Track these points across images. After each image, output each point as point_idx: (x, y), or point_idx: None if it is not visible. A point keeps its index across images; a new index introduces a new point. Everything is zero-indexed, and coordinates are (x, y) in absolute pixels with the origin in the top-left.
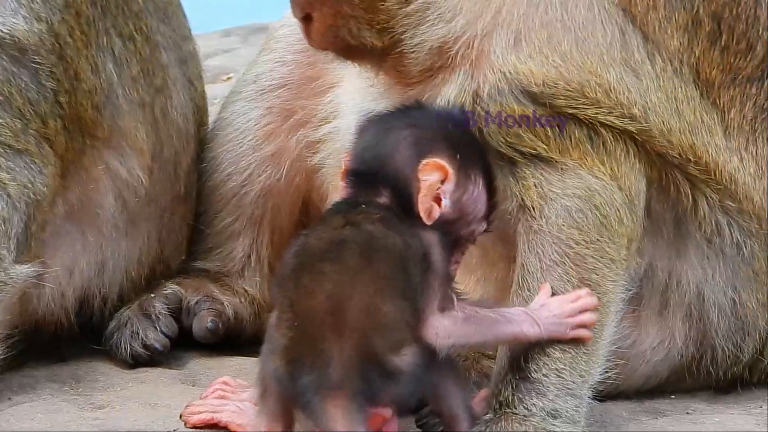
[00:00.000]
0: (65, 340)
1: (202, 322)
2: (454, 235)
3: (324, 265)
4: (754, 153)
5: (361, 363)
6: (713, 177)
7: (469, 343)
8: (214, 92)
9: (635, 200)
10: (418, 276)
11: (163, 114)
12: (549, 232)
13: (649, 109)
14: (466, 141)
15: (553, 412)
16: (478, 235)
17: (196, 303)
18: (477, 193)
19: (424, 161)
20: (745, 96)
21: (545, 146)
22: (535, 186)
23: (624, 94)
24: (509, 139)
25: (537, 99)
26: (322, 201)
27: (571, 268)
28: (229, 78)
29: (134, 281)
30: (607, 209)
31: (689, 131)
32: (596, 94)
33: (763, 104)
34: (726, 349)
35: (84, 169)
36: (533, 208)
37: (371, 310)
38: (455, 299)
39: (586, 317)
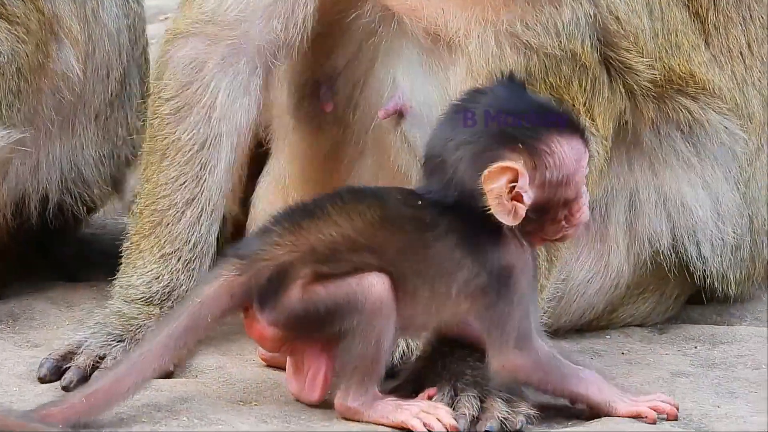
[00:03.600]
0: (2, 278)
1: None
2: (544, 227)
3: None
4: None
5: None
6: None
7: (538, 389)
8: (152, 32)
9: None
10: (493, 296)
11: (94, 15)
12: None
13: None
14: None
15: None
16: (576, 219)
17: None
18: (558, 159)
19: (485, 172)
20: None
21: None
22: None
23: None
24: None
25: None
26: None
27: None
28: (166, 18)
29: (70, 184)
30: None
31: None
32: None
33: None
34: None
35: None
36: None
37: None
38: (533, 335)
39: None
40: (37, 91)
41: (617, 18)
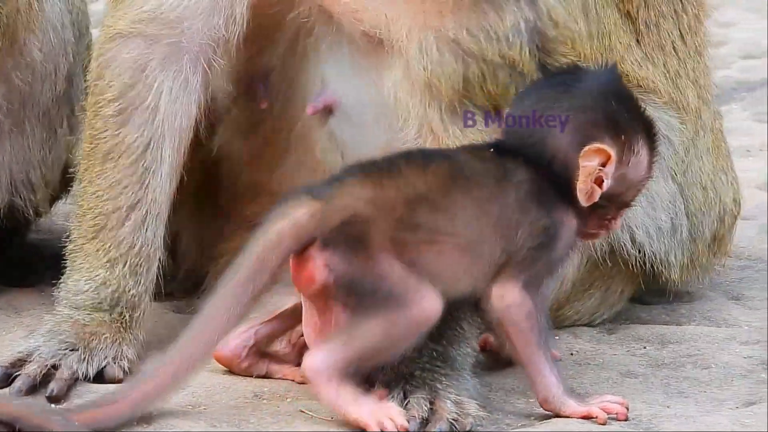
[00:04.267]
0: None
1: None
2: (591, 220)
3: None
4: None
5: None
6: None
7: (509, 332)
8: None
9: None
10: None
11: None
12: None
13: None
14: (627, 110)
15: (444, 356)
16: (621, 214)
17: None
18: (638, 162)
19: (586, 148)
20: None
21: None
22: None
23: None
24: None
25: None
26: None
27: None
28: None
29: (20, 186)
30: None
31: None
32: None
33: None
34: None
35: None
36: None
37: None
38: (542, 290)
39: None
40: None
41: (556, 23)
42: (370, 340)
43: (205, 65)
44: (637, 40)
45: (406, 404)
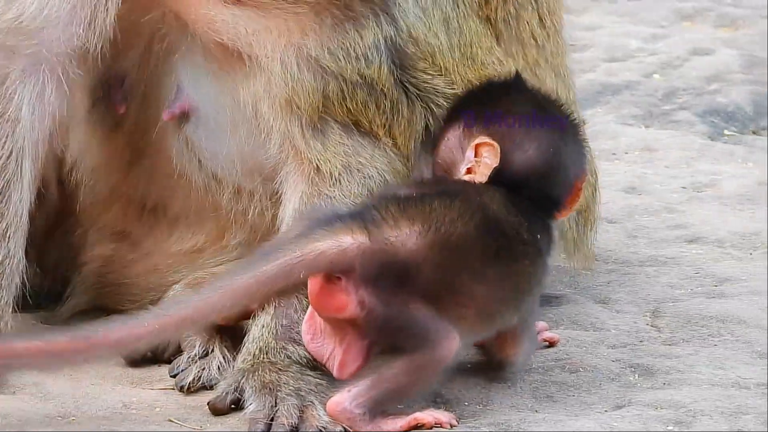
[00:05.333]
0: None
1: None
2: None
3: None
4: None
5: None
6: None
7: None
8: None
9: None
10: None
11: None
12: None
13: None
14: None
15: (311, 362)
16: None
17: None
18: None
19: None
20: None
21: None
22: (345, 154)
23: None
24: None
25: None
26: None
27: None
28: None
29: None
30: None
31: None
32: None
33: None
34: None
35: None
36: (332, 176)
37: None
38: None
39: None
40: None
41: (416, 40)
42: (397, 381)
43: (63, 75)
44: (497, 39)
45: (276, 412)
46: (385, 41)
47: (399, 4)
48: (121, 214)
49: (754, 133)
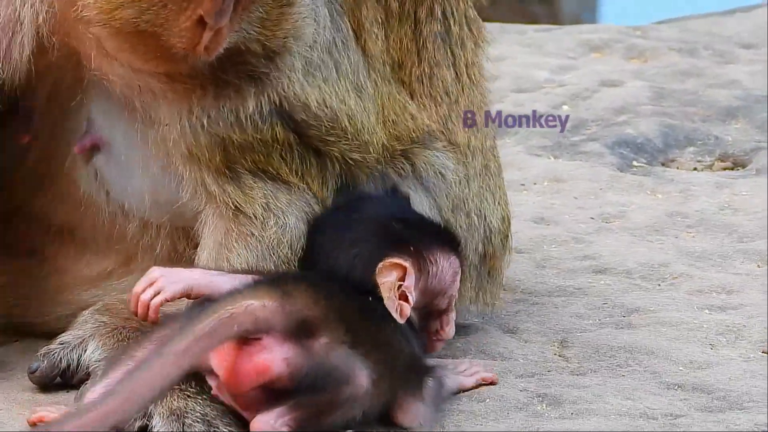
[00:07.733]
0: None
1: None
2: (432, 313)
3: None
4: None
5: None
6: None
7: None
8: None
9: None
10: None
11: None
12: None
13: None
14: (416, 224)
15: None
16: (445, 332)
17: None
18: (442, 269)
19: (380, 264)
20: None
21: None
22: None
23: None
24: None
25: None
26: None
27: None
28: None
29: None
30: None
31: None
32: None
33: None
34: None
35: None
36: (255, 217)
37: None
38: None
39: None
40: None
41: (306, 106)
42: (319, 409)
43: None
44: (411, 97)
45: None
46: (272, 106)
47: (288, 75)
48: (26, 232)
49: (662, 164)
